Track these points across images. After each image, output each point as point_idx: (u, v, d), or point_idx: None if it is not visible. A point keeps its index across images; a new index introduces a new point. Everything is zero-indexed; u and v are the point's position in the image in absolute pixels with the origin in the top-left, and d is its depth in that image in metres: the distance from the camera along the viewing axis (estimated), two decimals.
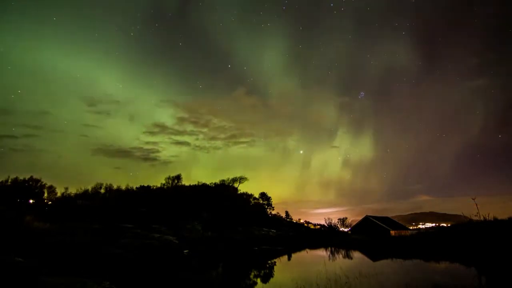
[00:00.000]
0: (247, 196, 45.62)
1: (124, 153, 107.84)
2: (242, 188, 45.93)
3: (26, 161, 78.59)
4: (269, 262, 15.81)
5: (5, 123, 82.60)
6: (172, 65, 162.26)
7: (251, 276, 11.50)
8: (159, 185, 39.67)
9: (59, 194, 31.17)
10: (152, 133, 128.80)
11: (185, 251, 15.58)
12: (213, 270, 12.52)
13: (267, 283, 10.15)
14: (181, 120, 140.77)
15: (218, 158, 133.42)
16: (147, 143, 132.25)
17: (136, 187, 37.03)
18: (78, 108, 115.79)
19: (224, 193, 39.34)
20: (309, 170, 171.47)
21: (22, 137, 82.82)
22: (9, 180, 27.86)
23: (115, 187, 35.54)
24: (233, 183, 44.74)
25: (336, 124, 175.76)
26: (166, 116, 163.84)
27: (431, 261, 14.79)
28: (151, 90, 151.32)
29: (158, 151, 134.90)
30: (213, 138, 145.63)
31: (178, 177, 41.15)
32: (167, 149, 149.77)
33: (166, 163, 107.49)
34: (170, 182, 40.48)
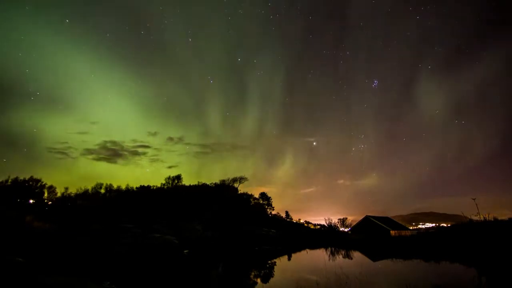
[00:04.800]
0: (247, 196, 45.57)
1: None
2: (242, 188, 45.99)
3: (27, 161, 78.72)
4: (269, 262, 15.81)
5: None
6: None
7: (251, 276, 11.50)
8: (159, 185, 39.73)
9: (59, 194, 31.17)
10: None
11: (185, 251, 15.58)
12: (213, 270, 12.52)
13: (267, 283, 10.15)
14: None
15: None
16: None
17: (136, 187, 37.03)
18: None
19: (224, 193, 39.31)
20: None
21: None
22: (9, 180, 27.84)
23: (115, 187, 35.57)
24: (233, 183, 44.76)
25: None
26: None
27: (431, 261, 14.78)
28: None
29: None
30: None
31: (178, 177, 41.17)
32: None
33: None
34: (170, 182, 40.49)
